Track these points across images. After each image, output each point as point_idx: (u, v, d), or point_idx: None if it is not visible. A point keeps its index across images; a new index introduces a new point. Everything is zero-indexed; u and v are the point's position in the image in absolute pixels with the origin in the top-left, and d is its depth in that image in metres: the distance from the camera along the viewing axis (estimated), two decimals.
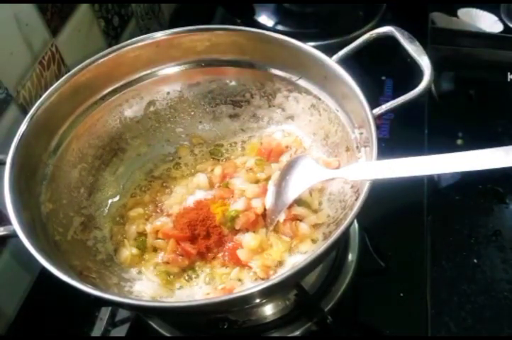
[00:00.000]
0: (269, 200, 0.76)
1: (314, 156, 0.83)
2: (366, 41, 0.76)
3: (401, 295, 0.84)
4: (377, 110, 0.69)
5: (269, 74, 0.84)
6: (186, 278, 0.76)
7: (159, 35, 0.80)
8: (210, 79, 0.87)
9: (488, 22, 1.35)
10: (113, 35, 1.06)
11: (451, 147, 1.04)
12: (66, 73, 0.76)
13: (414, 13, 1.27)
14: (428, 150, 1.00)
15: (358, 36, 0.77)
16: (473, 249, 0.91)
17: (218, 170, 0.84)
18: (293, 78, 0.82)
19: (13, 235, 0.62)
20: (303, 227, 0.75)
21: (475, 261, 0.90)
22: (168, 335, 0.80)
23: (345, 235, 0.85)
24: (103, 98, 0.82)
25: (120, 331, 0.82)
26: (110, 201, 0.84)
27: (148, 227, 0.79)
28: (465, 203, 0.99)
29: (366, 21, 1.21)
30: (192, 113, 0.90)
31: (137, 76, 0.84)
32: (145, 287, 0.74)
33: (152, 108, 0.88)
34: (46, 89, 0.74)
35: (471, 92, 1.16)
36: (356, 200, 0.67)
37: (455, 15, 1.37)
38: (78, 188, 0.80)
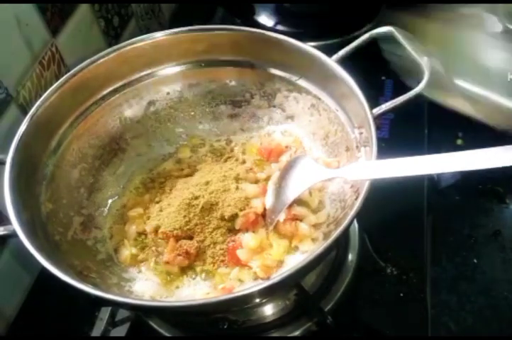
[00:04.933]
0: (269, 200, 0.76)
1: (314, 156, 0.83)
2: (366, 41, 0.76)
3: (401, 295, 0.84)
4: (377, 110, 0.69)
5: (269, 74, 0.84)
6: (186, 277, 0.76)
7: (159, 35, 0.80)
8: (210, 79, 0.87)
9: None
10: (113, 35, 1.06)
11: (451, 147, 1.04)
12: (66, 73, 0.77)
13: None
14: (428, 150, 1.00)
15: (358, 36, 0.77)
16: (473, 249, 0.91)
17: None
18: (293, 78, 0.82)
19: (13, 235, 0.62)
20: (303, 227, 0.75)
21: (475, 261, 0.90)
22: (168, 335, 0.81)
23: (345, 235, 0.85)
24: (103, 98, 0.82)
25: (120, 331, 0.82)
26: (110, 201, 0.84)
27: (148, 227, 0.79)
28: (465, 203, 0.98)
29: (366, 21, 1.21)
30: (192, 113, 0.90)
31: (137, 76, 0.84)
32: (145, 287, 0.74)
33: (152, 108, 0.88)
34: (46, 89, 0.74)
35: None
36: (356, 199, 0.67)
37: None
38: (78, 188, 0.81)
